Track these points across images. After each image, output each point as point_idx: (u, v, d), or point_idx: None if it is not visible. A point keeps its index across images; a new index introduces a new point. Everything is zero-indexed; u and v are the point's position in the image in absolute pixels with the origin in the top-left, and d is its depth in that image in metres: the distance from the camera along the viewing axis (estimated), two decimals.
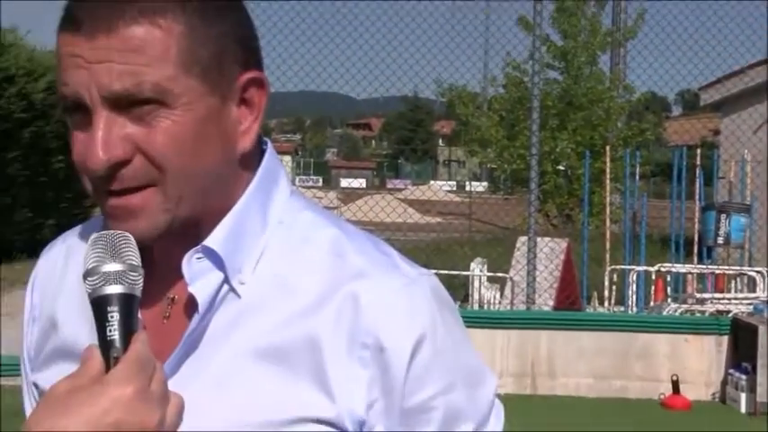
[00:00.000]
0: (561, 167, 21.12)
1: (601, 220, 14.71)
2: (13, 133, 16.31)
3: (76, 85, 1.09)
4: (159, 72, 1.08)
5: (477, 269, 11.09)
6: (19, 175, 16.62)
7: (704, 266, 11.26)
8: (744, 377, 8.23)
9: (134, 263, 1.09)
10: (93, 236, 1.12)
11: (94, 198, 1.14)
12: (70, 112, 1.12)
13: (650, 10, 19.13)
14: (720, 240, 11.15)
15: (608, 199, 12.71)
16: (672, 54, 13.42)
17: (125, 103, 1.08)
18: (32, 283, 1.33)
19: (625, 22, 20.15)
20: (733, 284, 11.25)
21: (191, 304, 1.15)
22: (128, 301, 1.08)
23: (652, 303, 10.63)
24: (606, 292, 10.98)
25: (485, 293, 10.94)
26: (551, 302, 10.51)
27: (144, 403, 1.02)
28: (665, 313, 9.71)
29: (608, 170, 12.44)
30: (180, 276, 1.15)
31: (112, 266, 1.08)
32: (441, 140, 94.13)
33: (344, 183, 45.11)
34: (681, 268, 11.04)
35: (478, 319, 8.63)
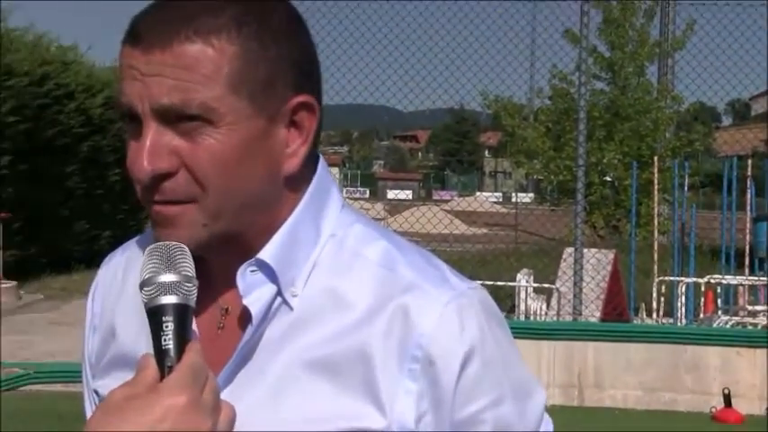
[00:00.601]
0: (608, 178, 21.00)
1: (648, 230, 14.60)
2: (71, 147, 16.81)
3: (131, 96, 1.13)
4: (207, 91, 1.11)
5: (524, 280, 11.05)
6: (77, 187, 17.13)
7: (756, 278, 11.12)
8: None
9: (189, 274, 1.11)
10: (150, 247, 1.14)
11: (143, 204, 1.17)
12: (127, 121, 1.15)
13: (699, 20, 18.98)
14: None
15: (656, 210, 12.61)
16: (722, 64, 13.31)
17: (173, 117, 1.11)
18: (93, 292, 1.36)
19: (673, 33, 19.98)
20: None
21: (245, 316, 1.17)
22: (182, 311, 1.09)
23: (702, 315, 10.51)
24: (654, 304, 10.88)
25: (531, 305, 10.90)
26: (598, 314, 10.44)
27: (196, 412, 1.04)
28: (715, 325, 9.60)
29: (656, 180, 12.35)
30: (233, 287, 1.17)
31: (168, 277, 1.10)
32: (487, 152, 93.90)
33: (391, 194, 45.11)
34: (731, 280, 10.90)
35: (525, 331, 8.59)
